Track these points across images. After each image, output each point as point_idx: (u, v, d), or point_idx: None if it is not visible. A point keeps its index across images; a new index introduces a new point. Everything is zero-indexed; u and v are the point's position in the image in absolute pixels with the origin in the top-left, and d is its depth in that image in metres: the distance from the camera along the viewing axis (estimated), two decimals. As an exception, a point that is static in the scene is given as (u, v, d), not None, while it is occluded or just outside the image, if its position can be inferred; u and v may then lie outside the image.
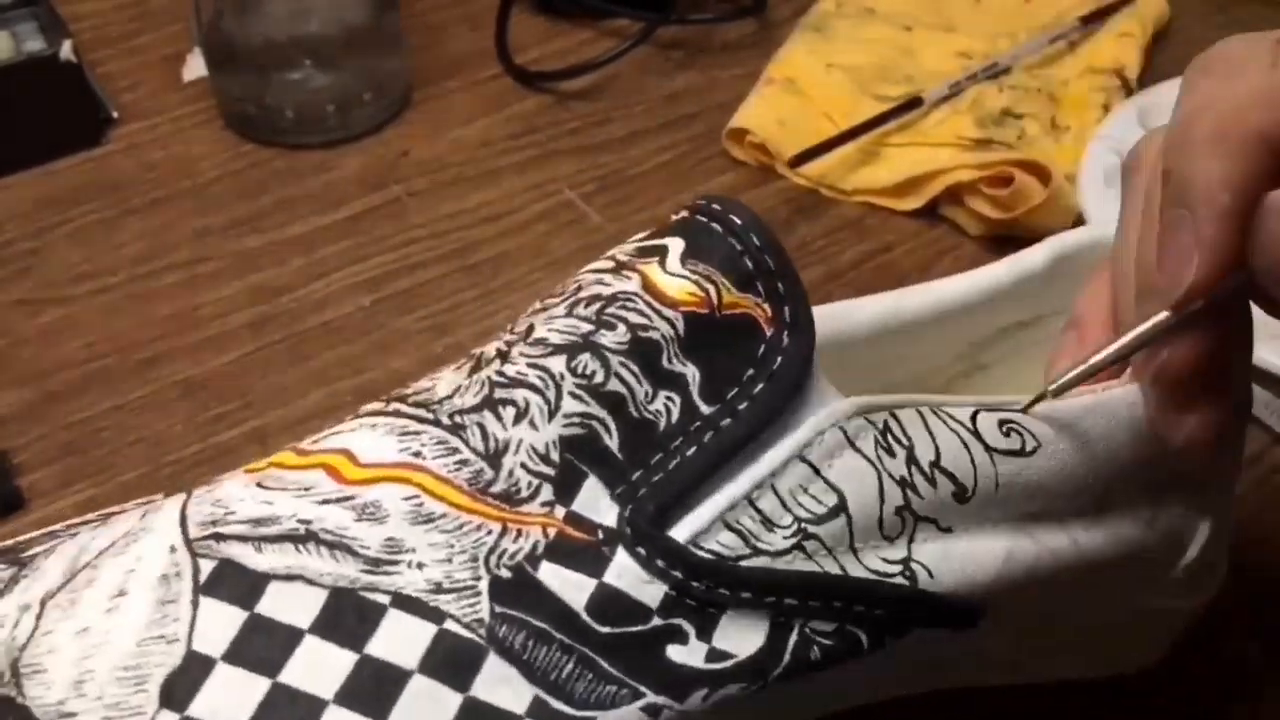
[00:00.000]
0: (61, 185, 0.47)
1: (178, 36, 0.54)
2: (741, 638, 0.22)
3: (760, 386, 0.23)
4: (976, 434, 0.24)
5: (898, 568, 0.23)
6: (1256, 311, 0.25)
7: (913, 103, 0.48)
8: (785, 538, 0.23)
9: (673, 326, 0.23)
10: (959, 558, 0.24)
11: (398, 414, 0.24)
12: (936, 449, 0.24)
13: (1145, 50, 0.52)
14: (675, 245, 0.24)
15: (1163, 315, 0.23)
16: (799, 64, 0.51)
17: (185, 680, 0.20)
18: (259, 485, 0.23)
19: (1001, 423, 0.25)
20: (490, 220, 0.46)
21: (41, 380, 0.40)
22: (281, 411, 0.39)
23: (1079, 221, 0.44)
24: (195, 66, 0.52)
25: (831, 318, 0.28)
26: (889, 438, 0.24)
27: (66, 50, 0.47)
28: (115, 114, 0.50)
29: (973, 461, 0.24)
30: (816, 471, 0.23)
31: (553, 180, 0.48)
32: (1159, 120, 0.50)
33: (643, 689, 0.21)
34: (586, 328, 0.23)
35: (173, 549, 0.21)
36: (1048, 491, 0.25)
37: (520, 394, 0.23)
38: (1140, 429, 0.26)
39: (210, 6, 0.48)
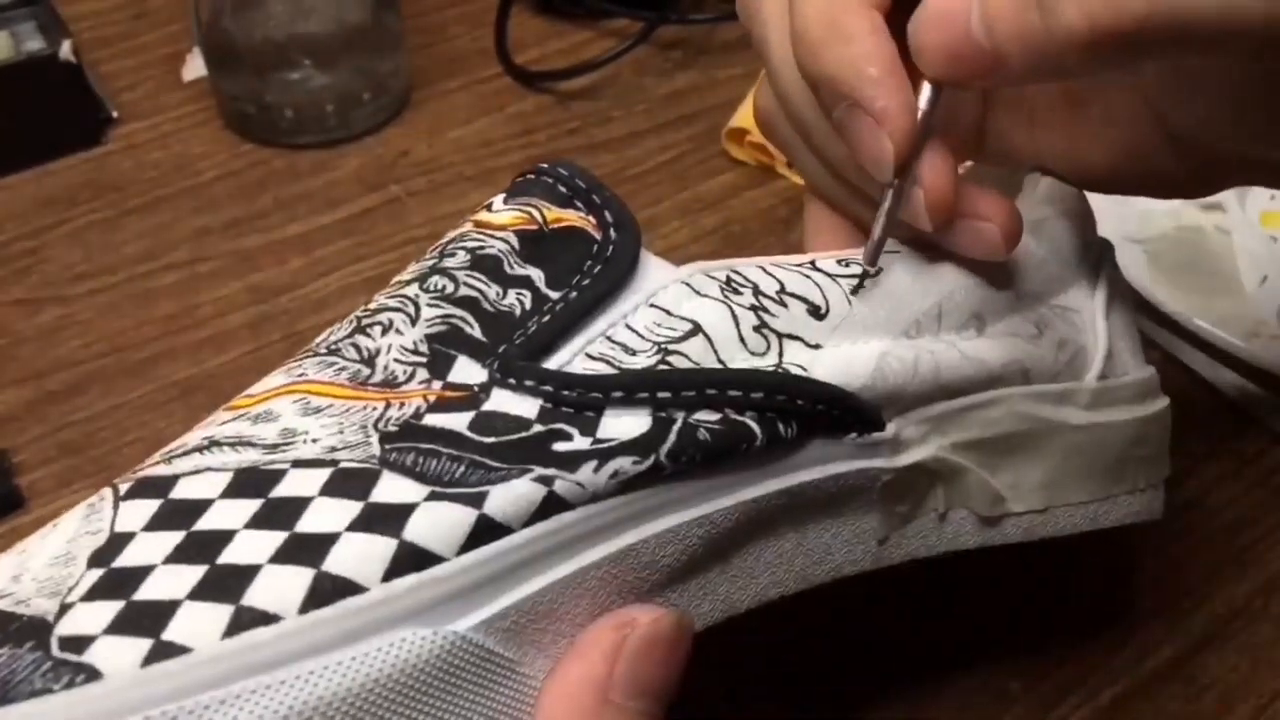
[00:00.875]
0: (61, 185, 0.47)
1: (177, 36, 0.54)
2: (625, 427, 0.24)
3: (599, 268, 0.26)
4: (815, 268, 0.27)
5: (769, 369, 0.25)
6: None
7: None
8: (648, 357, 0.25)
9: (507, 243, 0.26)
10: (831, 360, 0.26)
11: (285, 363, 0.26)
12: (780, 282, 0.26)
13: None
14: (498, 198, 0.28)
15: (893, 184, 0.26)
16: (799, 63, 0.51)
17: (109, 549, 0.21)
18: (176, 441, 0.25)
19: (839, 260, 0.28)
20: (490, 220, 0.46)
21: (41, 379, 0.40)
22: (281, 411, 0.39)
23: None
24: (195, 66, 0.52)
25: None
26: (732, 285, 0.26)
27: (66, 50, 0.47)
28: (115, 114, 0.50)
29: (818, 285, 0.27)
30: (667, 313, 0.25)
31: (552, 180, 0.48)
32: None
33: (532, 467, 0.23)
34: (431, 262, 0.27)
35: (100, 494, 0.23)
36: (908, 305, 0.27)
37: (383, 316, 0.26)
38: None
39: (209, 6, 0.48)
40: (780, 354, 0.26)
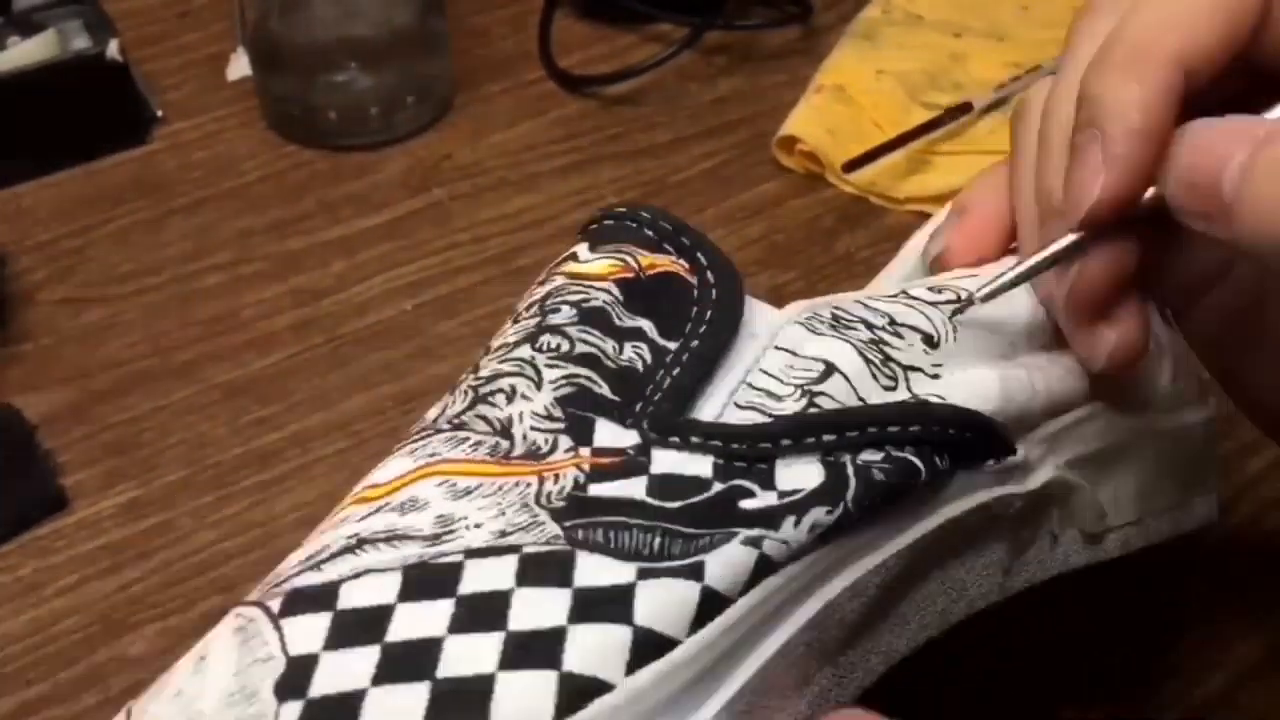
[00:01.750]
0: (106, 184, 0.47)
1: (222, 35, 0.54)
2: (802, 476, 0.23)
3: (710, 313, 0.25)
4: (912, 297, 0.26)
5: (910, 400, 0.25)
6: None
7: (962, 108, 0.48)
8: (794, 401, 0.24)
9: (610, 294, 0.25)
10: (959, 387, 0.25)
11: (401, 445, 0.24)
12: (886, 315, 0.26)
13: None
14: (581, 247, 0.27)
15: (1071, 236, 0.24)
16: (849, 71, 0.50)
17: (296, 677, 0.19)
18: (302, 548, 0.23)
19: (931, 288, 0.27)
20: (532, 225, 0.46)
21: (85, 380, 0.40)
22: (323, 415, 0.39)
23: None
24: (239, 66, 0.52)
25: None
26: (840, 322, 0.25)
27: (113, 49, 0.47)
28: (160, 113, 0.50)
29: (924, 314, 0.26)
30: (794, 354, 0.25)
31: (595, 186, 0.48)
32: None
33: (736, 529, 0.22)
34: (536, 320, 0.25)
35: (238, 614, 0.21)
36: (1004, 328, 0.27)
37: (503, 382, 0.24)
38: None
39: (255, 6, 0.48)
40: (910, 387, 0.25)
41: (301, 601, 0.20)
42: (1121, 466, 0.29)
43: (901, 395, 0.25)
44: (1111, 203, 0.23)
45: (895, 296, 0.26)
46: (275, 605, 0.20)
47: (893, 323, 0.26)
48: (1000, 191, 0.28)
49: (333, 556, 0.21)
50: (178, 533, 0.36)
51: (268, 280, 0.44)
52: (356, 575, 0.21)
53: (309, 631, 0.20)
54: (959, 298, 0.26)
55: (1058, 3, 0.55)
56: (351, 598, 0.20)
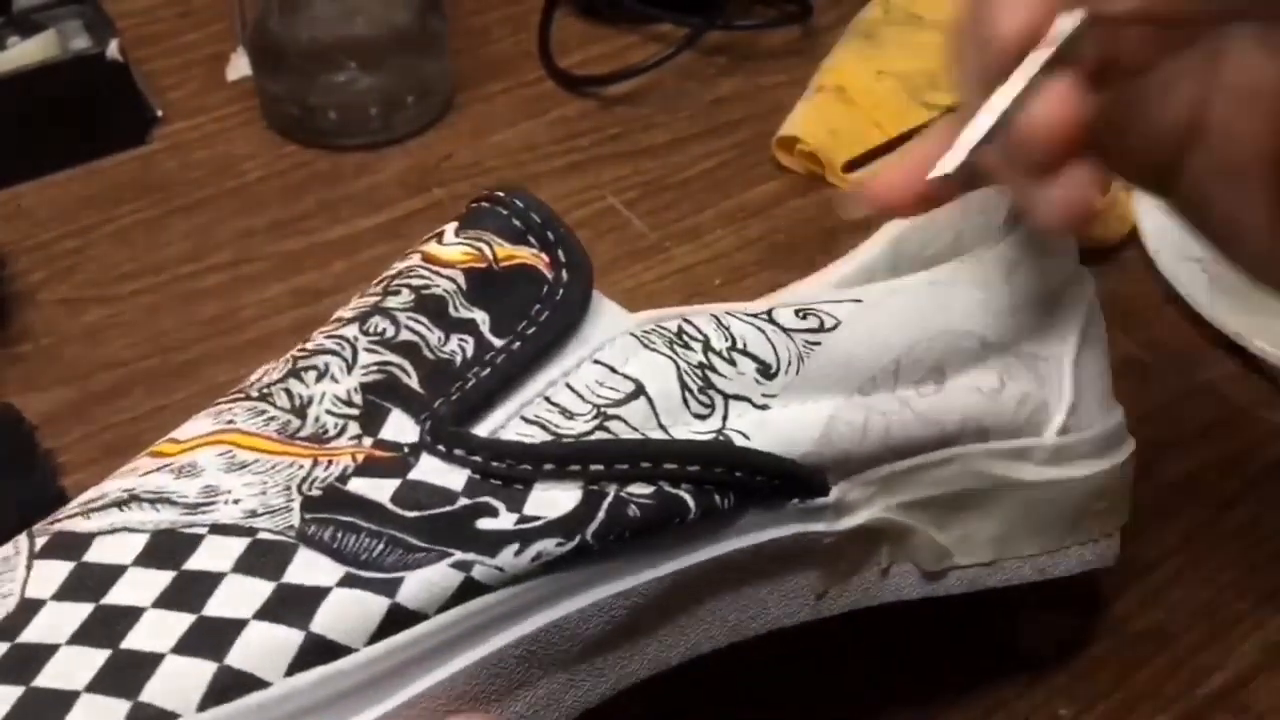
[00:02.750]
0: (106, 184, 0.47)
1: (222, 35, 0.54)
2: (552, 504, 0.23)
3: (546, 315, 0.25)
4: (771, 321, 0.26)
5: (710, 437, 0.24)
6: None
7: (961, 112, 0.48)
8: (585, 421, 0.24)
9: (454, 282, 0.25)
10: (775, 425, 0.25)
11: (215, 404, 0.25)
12: (731, 337, 0.25)
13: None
14: (450, 226, 0.27)
15: (1010, 83, 0.23)
16: (849, 71, 0.50)
17: (18, 620, 0.21)
18: (95, 487, 0.24)
19: (797, 310, 0.26)
20: (533, 225, 0.46)
21: (85, 380, 0.40)
22: (323, 415, 0.39)
23: (1135, 232, 0.44)
24: (239, 66, 0.52)
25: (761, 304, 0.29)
26: (684, 337, 0.25)
27: (113, 49, 0.47)
28: (160, 113, 0.50)
29: (770, 341, 0.25)
30: (611, 370, 0.24)
31: (595, 186, 0.47)
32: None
33: (451, 550, 0.22)
34: (374, 299, 0.25)
35: (15, 541, 0.23)
36: (862, 363, 0.26)
37: (319, 359, 0.25)
38: (956, 305, 0.27)
39: (255, 6, 0.48)
40: (724, 418, 0.25)
41: (60, 547, 0.22)
42: (975, 512, 0.28)
43: (711, 426, 0.24)
44: (1033, 21, 0.22)
45: (757, 315, 0.26)
46: (39, 543, 0.22)
47: (734, 347, 0.25)
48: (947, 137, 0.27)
49: (104, 507, 0.23)
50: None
51: (268, 280, 0.44)
52: (114, 531, 0.22)
53: (50, 577, 0.21)
54: (822, 324, 0.26)
55: (1058, 3, 0.55)
56: (98, 552, 0.22)
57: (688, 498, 0.24)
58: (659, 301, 0.26)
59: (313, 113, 0.48)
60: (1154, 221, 0.43)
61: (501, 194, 0.26)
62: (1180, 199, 0.27)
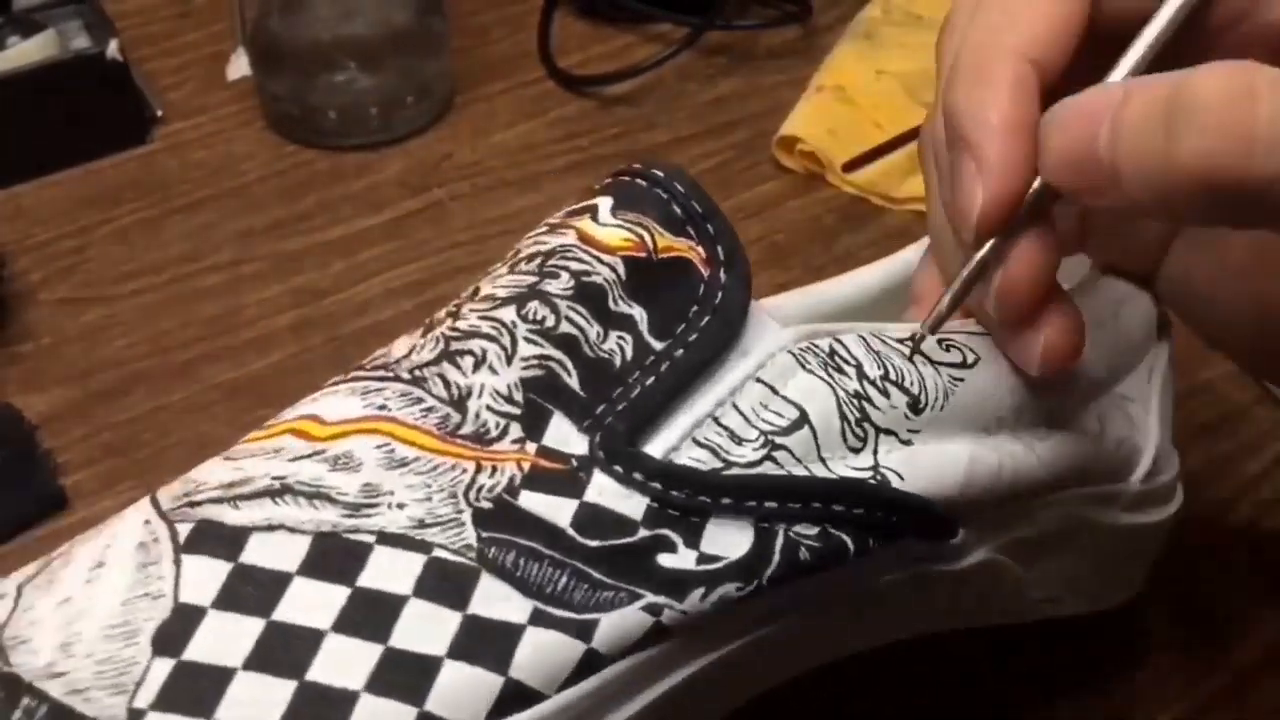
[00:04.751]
0: (106, 184, 0.47)
1: (222, 35, 0.54)
2: (729, 542, 0.22)
3: (706, 319, 0.24)
4: (918, 350, 0.25)
5: (868, 473, 0.24)
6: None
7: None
8: (754, 449, 0.23)
9: (614, 271, 0.24)
10: (925, 463, 0.24)
11: (357, 379, 0.24)
12: (884, 365, 0.24)
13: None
14: (605, 202, 0.25)
15: (984, 249, 0.23)
16: (849, 71, 0.50)
17: (176, 629, 0.19)
18: (226, 459, 0.23)
19: (940, 340, 0.25)
20: (532, 226, 0.45)
21: (84, 380, 0.40)
22: (323, 415, 0.39)
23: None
24: (239, 66, 0.52)
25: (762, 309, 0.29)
26: (836, 359, 0.24)
27: (113, 49, 0.47)
28: (159, 112, 0.50)
29: (919, 374, 0.25)
30: (774, 390, 0.24)
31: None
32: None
33: (641, 591, 0.21)
34: (531, 279, 0.24)
35: (147, 521, 0.21)
36: (994, 402, 0.25)
37: (476, 344, 0.23)
38: None
39: (254, 6, 0.48)
40: (875, 452, 0.24)
41: (209, 539, 0.20)
42: (1055, 551, 0.28)
43: (865, 460, 0.24)
44: (997, 206, 0.23)
45: (904, 341, 0.25)
46: (183, 532, 0.20)
47: (886, 376, 0.24)
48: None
49: (254, 495, 0.21)
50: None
51: (268, 280, 0.44)
52: (270, 528, 0.21)
53: (205, 578, 0.20)
54: (964, 360, 0.25)
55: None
56: (256, 553, 0.20)
57: (848, 540, 0.23)
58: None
59: (313, 113, 0.48)
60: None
61: (660, 173, 0.25)
62: (1165, 292, 0.29)
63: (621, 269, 0.24)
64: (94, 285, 0.43)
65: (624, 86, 0.52)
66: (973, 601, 0.28)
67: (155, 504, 0.22)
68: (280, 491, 0.21)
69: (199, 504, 0.21)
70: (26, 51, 0.46)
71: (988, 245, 0.23)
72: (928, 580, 0.26)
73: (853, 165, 0.46)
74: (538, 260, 0.24)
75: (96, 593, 0.20)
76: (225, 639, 0.19)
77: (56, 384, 0.40)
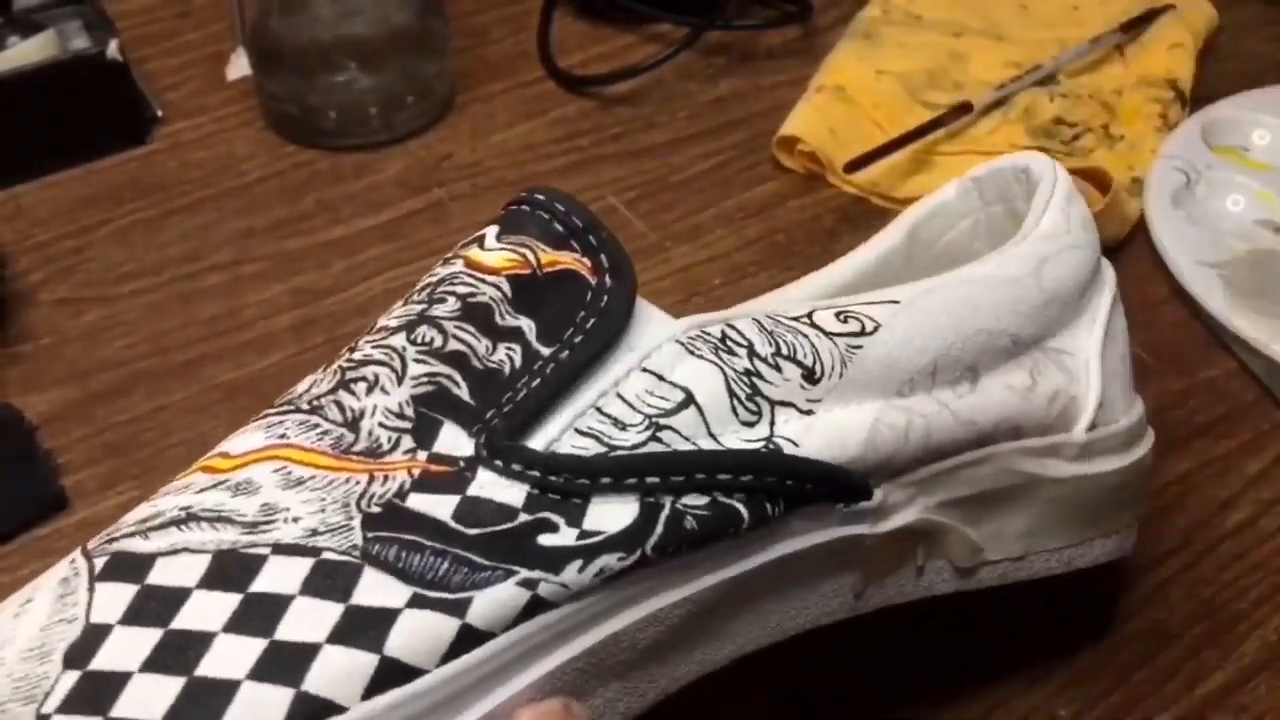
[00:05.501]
0: (106, 184, 0.47)
1: (221, 35, 0.54)
2: (611, 518, 0.23)
3: (592, 321, 0.24)
4: (813, 324, 0.26)
5: (759, 444, 0.24)
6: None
7: (963, 108, 0.48)
8: (638, 432, 0.24)
9: (499, 289, 0.25)
10: (823, 429, 0.25)
11: (264, 416, 0.25)
12: (775, 343, 0.25)
13: (1196, 59, 0.52)
14: (491, 230, 0.26)
15: None
16: (849, 71, 0.50)
17: (85, 646, 0.21)
18: (149, 501, 0.24)
19: (838, 314, 0.26)
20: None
21: (85, 380, 0.40)
22: (323, 415, 0.39)
23: (1135, 232, 0.44)
24: (238, 66, 0.52)
25: (771, 299, 0.29)
26: (728, 342, 0.25)
27: (113, 49, 0.47)
28: (159, 113, 0.50)
29: (813, 346, 0.26)
30: (660, 378, 0.24)
31: (595, 186, 0.47)
32: (1222, 137, 0.50)
33: (516, 568, 0.22)
34: (420, 307, 0.25)
35: (72, 560, 0.22)
36: (902, 365, 0.26)
37: (368, 370, 0.24)
38: (987, 303, 0.27)
39: (254, 6, 0.48)
40: (771, 424, 0.25)
41: (120, 568, 0.22)
42: (1006, 508, 0.28)
43: (760, 433, 0.25)
44: None
45: (798, 319, 0.26)
46: (99, 564, 0.22)
47: (778, 353, 0.25)
48: None
49: (162, 526, 0.22)
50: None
51: (268, 280, 0.44)
52: (174, 552, 0.22)
53: (114, 601, 0.21)
54: (863, 328, 0.26)
55: (1057, 2, 0.55)
56: (161, 574, 0.22)
57: (741, 507, 0.24)
58: (658, 302, 0.26)
59: (313, 113, 0.48)
60: (1169, 227, 0.43)
61: (541, 196, 0.26)
62: None
63: (506, 287, 0.25)
64: (94, 285, 0.43)
65: (624, 86, 0.52)
66: (925, 567, 0.28)
67: (84, 547, 0.23)
68: (185, 520, 0.22)
69: (116, 539, 0.23)
70: (26, 51, 0.46)
71: None
72: (857, 545, 0.26)
73: (853, 166, 0.46)
74: (427, 290, 0.26)
75: (20, 625, 0.21)
76: (127, 649, 0.21)
77: (56, 384, 0.40)
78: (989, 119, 0.48)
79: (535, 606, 0.22)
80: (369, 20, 0.48)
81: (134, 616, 0.21)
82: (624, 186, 0.47)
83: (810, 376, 0.25)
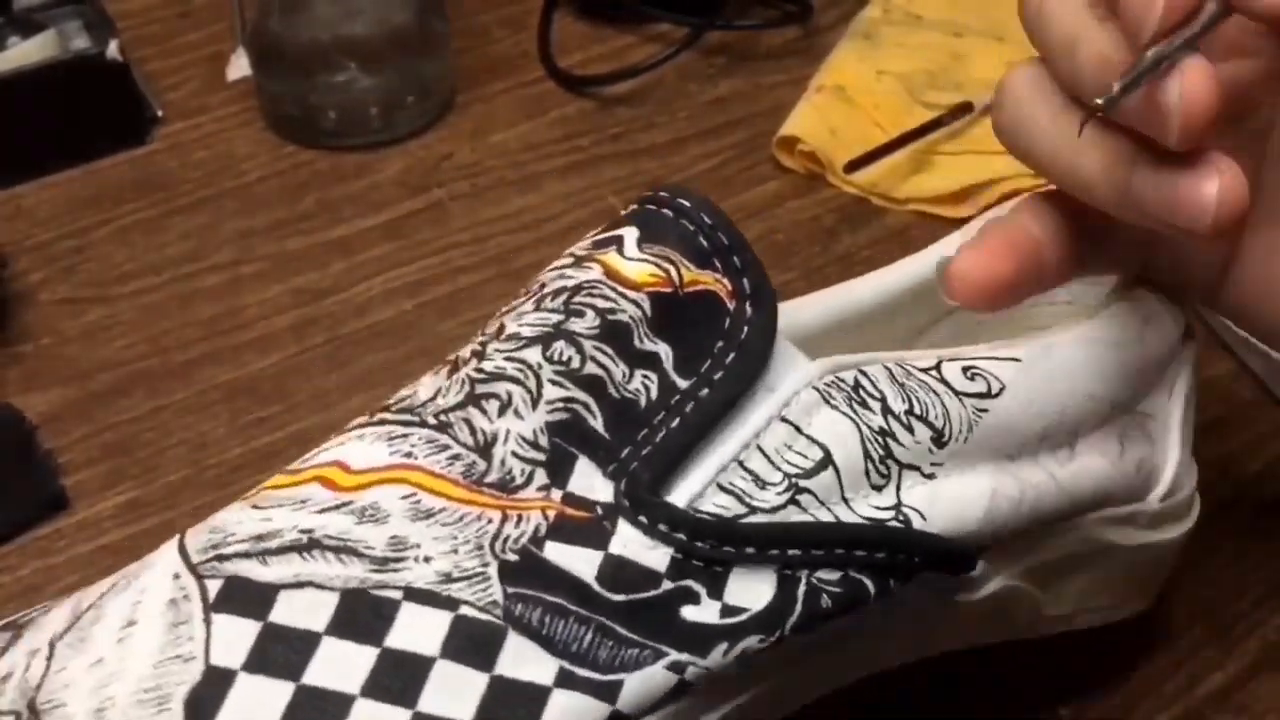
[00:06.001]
0: (106, 184, 0.47)
1: (221, 35, 0.54)
2: (752, 593, 0.23)
3: (731, 356, 0.23)
4: (943, 380, 0.25)
5: (890, 513, 0.24)
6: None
7: (963, 108, 0.48)
8: (778, 494, 0.23)
9: (639, 308, 0.24)
10: (947, 499, 0.24)
11: (383, 422, 0.24)
12: (908, 399, 0.24)
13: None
14: (630, 233, 0.25)
15: (1152, 51, 0.21)
16: (849, 71, 0.50)
17: (208, 694, 0.20)
18: (254, 507, 0.23)
19: (965, 369, 0.25)
20: (532, 226, 0.46)
21: (85, 380, 0.40)
22: (323, 416, 0.39)
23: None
24: (239, 66, 0.52)
25: (781, 315, 0.28)
26: (861, 393, 0.24)
27: (113, 49, 0.47)
28: (160, 113, 0.50)
29: (945, 407, 0.25)
30: (798, 430, 0.23)
31: (595, 186, 0.47)
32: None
33: (665, 648, 0.22)
34: (557, 318, 0.24)
35: (176, 575, 0.21)
36: (1020, 431, 0.25)
37: (501, 387, 0.23)
38: (1096, 366, 0.26)
39: (254, 6, 0.48)
40: (898, 489, 0.24)
41: (237, 598, 0.21)
42: (1071, 571, 0.28)
43: (888, 498, 0.24)
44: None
45: (928, 370, 0.25)
46: (213, 589, 0.21)
47: (910, 410, 0.24)
48: (1026, 221, 0.26)
49: (281, 550, 0.21)
50: (178, 533, 0.36)
51: (268, 280, 0.44)
52: (299, 585, 0.21)
53: (235, 640, 0.20)
54: (989, 389, 0.25)
55: (1057, 3, 0.55)
56: (285, 612, 0.20)
57: (869, 583, 0.23)
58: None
59: (313, 113, 0.48)
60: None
61: (686, 203, 0.24)
62: (1232, 306, 0.28)
63: (648, 305, 0.24)
64: (94, 285, 0.43)
65: (624, 86, 0.52)
66: (987, 625, 0.28)
67: (184, 553, 0.22)
68: (308, 546, 0.21)
69: (227, 558, 0.21)
70: (26, 51, 0.46)
71: (1155, 48, 0.21)
72: (943, 612, 0.26)
73: (854, 166, 0.46)
74: (563, 296, 0.24)
75: (128, 653, 0.20)
76: (255, 705, 0.19)
77: (56, 384, 0.40)
78: (989, 118, 0.48)
79: (680, 690, 0.22)
80: (369, 20, 0.48)
81: (260, 663, 0.20)
82: (624, 186, 0.47)
83: (939, 440, 0.24)
